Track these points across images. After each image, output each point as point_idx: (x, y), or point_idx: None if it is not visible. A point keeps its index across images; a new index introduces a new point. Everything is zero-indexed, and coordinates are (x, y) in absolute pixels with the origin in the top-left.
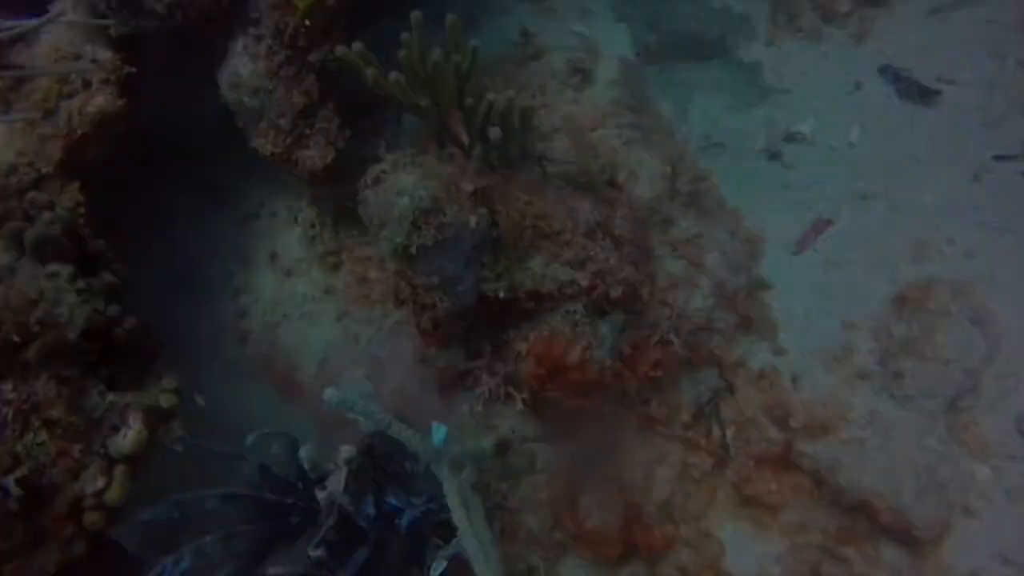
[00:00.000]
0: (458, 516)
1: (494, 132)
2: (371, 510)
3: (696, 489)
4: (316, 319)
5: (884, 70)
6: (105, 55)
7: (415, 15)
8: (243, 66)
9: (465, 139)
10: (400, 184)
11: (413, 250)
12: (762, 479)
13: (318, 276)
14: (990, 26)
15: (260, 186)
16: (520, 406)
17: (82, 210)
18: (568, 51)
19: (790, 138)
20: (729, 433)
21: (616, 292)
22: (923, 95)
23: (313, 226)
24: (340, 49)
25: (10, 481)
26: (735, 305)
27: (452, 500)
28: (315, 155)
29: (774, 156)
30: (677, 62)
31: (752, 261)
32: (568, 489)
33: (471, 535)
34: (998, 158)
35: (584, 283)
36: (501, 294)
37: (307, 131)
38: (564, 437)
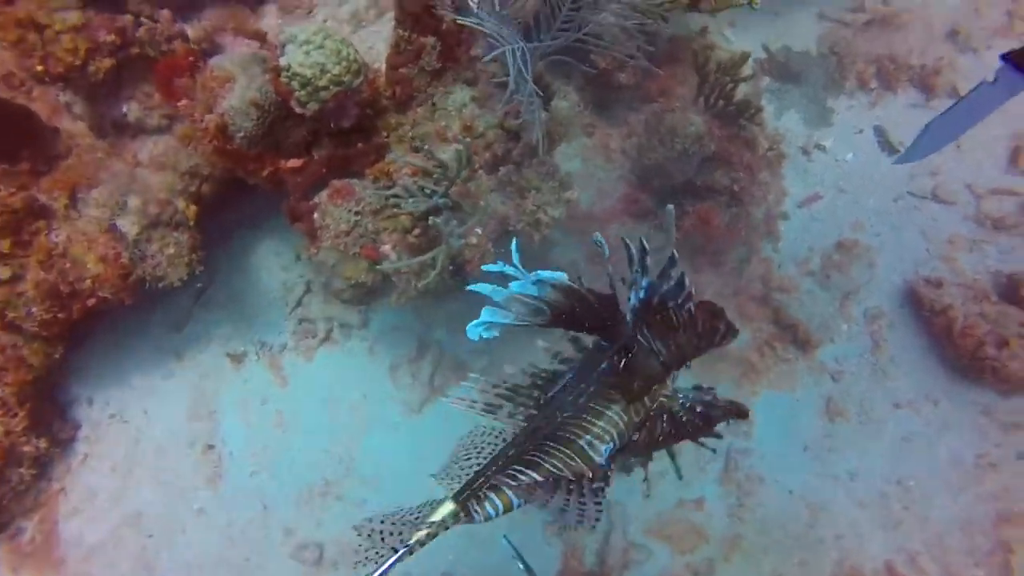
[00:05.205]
0: None
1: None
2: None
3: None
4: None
5: (876, 128)
6: None
7: None
8: None
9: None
10: (692, 119)
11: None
12: (749, 307)
13: (576, 133)
14: None
15: None
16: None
17: None
18: None
19: (818, 146)
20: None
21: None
22: (890, 148)
23: (579, 105)
24: None
25: None
26: (768, 222)
27: None
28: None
29: (805, 152)
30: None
31: (780, 203)
32: None
33: None
34: (909, 193)
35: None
36: (698, 183)
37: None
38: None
